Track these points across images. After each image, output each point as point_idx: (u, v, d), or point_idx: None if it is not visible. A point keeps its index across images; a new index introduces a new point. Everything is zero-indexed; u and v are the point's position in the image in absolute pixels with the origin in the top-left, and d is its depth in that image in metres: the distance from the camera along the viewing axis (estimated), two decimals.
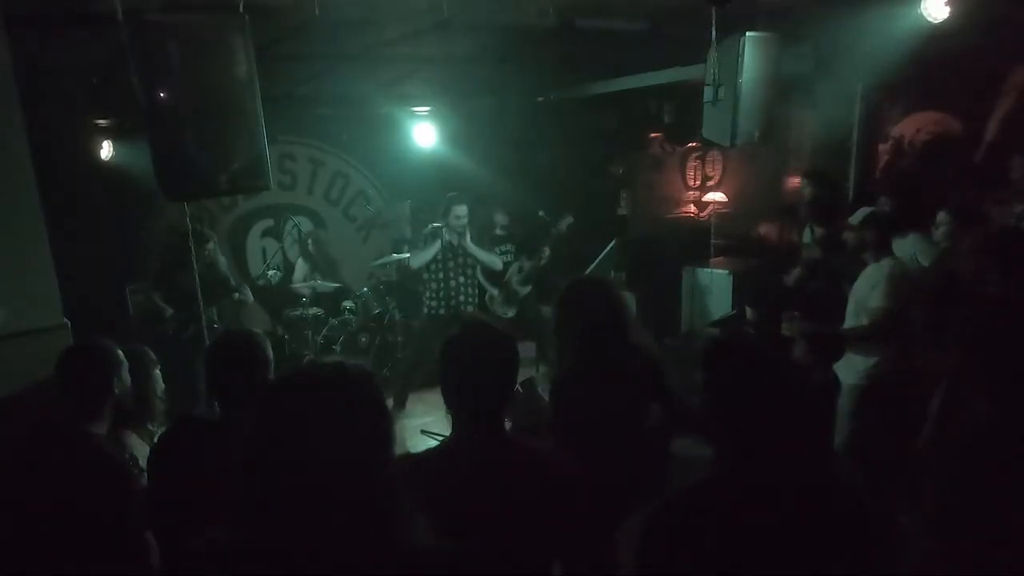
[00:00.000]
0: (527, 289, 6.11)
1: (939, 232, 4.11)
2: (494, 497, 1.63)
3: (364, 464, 1.17)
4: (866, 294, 3.71)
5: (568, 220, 5.97)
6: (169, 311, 5.02)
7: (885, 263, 3.71)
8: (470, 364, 1.75)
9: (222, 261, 5.50)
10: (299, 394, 1.20)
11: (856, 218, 4.32)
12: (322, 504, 1.13)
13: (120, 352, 2.44)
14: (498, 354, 1.77)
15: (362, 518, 1.15)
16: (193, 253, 4.21)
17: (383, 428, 1.23)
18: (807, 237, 5.04)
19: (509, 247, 6.23)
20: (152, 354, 2.82)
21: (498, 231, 6.26)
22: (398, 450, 1.29)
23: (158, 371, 2.75)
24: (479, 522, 1.48)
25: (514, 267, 6.12)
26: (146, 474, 2.27)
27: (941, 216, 4.11)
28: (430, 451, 1.83)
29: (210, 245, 5.28)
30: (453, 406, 1.80)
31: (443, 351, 1.80)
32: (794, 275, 4.90)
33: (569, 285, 2.77)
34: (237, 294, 5.50)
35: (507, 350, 1.80)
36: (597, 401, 2.48)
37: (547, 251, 5.95)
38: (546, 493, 1.68)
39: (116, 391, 2.36)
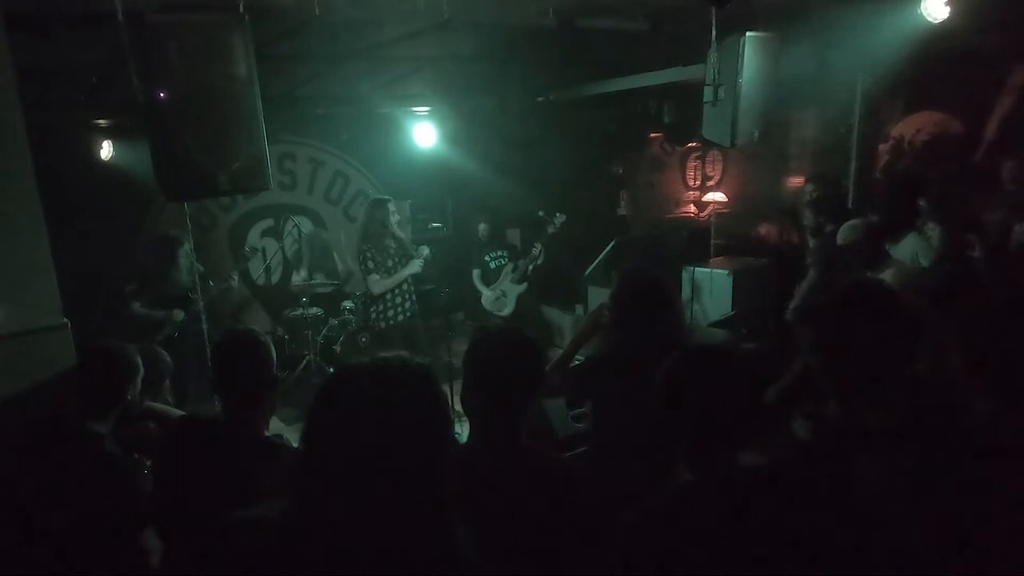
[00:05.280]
0: (523, 287, 6.12)
1: (933, 232, 4.08)
2: (506, 505, 1.60)
3: (413, 463, 1.16)
4: None
5: (561, 218, 5.96)
6: (151, 315, 4.89)
7: (887, 273, 3.67)
8: (492, 368, 1.73)
9: (184, 270, 5.01)
10: (358, 385, 1.20)
11: (843, 235, 4.16)
12: (370, 496, 1.13)
13: (139, 359, 2.47)
14: (522, 360, 1.75)
15: (407, 518, 1.15)
16: (177, 260, 4.12)
17: (439, 430, 1.22)
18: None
19: (502, 252, 6.26)
20: (167, 356, 2.87)
21: (481, 236, 6.32)
22: None
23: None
24: (489, 528, 1.47)
25: (508, 267, 6.13)
26: (151, 473, 2.28)
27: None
28: None
29: (182, 250, 4.94)
30: (472, 410, 1.77)
31: (467, 354, 1.78)
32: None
33: (631, 272, 2.72)
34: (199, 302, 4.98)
35: (531, 356, 1.77)
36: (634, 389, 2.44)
37: (540, 248, 5.93)
38: (560, 505, 1.66)
39: (129, 397, 2.40)
